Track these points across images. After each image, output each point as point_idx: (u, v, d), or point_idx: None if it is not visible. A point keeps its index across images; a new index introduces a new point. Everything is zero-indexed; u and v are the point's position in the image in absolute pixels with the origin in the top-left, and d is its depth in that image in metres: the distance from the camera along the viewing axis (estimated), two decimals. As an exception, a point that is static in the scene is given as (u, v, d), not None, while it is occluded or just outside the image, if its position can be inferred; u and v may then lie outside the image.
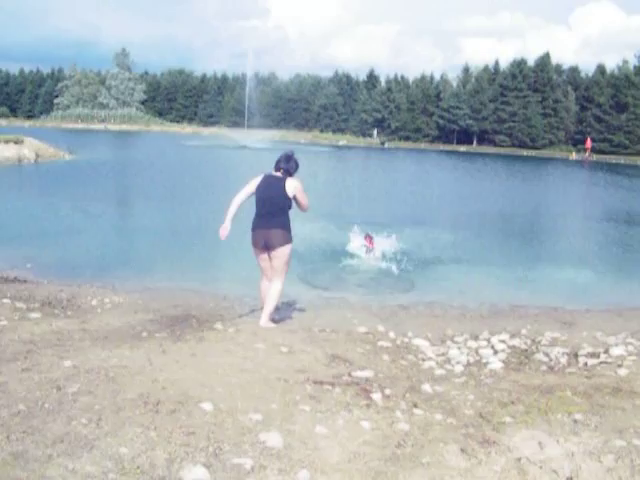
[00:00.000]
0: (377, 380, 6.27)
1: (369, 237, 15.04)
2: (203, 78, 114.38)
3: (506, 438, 4.91)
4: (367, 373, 6.42)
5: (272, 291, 8.05)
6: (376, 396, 5.67)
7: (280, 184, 7.78)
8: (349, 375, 6.30)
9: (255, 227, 8.00)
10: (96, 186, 26.78)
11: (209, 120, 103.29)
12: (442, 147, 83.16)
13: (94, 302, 9.71)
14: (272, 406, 5.15)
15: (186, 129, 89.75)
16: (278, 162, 7.98)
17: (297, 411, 5.13)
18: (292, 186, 7.80)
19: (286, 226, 7.88)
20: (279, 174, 7.92)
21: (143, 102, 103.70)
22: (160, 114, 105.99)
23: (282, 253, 7.88)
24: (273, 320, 8.31)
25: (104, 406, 4.69)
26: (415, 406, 5.59)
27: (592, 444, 4.78)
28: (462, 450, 4.66)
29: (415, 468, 4.35)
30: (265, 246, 7.92)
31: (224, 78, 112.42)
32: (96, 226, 17.73)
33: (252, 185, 7.95)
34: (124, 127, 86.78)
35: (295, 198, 7.87)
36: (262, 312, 8.12)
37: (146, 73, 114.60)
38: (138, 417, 4.57)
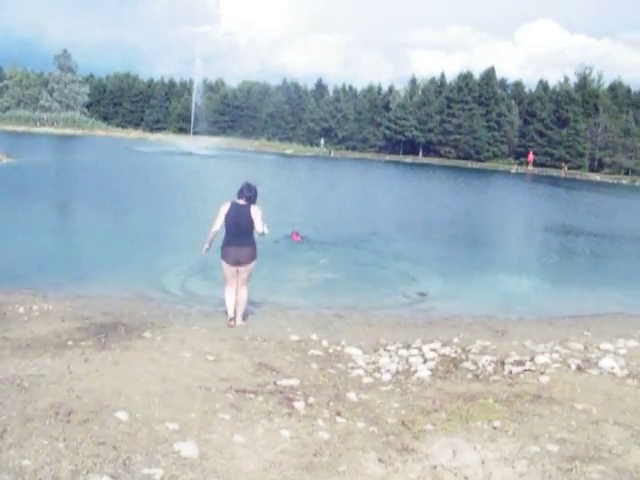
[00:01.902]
0: (302, 388, 6.24)
1: (295, 233, 15.96)
2: (150, 83, 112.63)
3: (425, 446, 4.92)
4: (293, 382, 6.39)
5: (243, 297, 9.38)
6: (299, 404, 5.64)
7: (246, 210, 9.05)
8: (274, 384, 6.26)
9: (227, 246, 9.17)
10: (33, 190, 26.15)
11: (155, 126, 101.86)
12: (388, 157, 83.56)
13: (21, 310, 9.44)
14: (191, 415, 5.08)
15: (131, 134, 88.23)
16: (241, 191, 9.15)
17: (216, 420, 5.07)
18: (255, 213, 9.07)
19: (253, 245, 9.23)
20: (243, 202, 9.12)
21: (88, 106, 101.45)
22: (105, 118, 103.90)
23: (250, 267, 9.28)
24: (244, 318, 9.54)
25: (11, 417, 4.56)
26: (338, 414, 5.58)
27: (508, 450, 4.83)
28: (379, 458, 4.66)
29: (331, 477, 4.33)
30: (236, 262, 9.18)
31: (171, 83, 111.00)
32: (31, 231, 17.31)
33: (222, 214, 9.11)
34: (67, 131, 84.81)
35: (255, 221, 9.07)
36: (236, 314, 9.32)
37: (91, 76, 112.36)
38: (47, 428, 4.45)
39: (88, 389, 5.38)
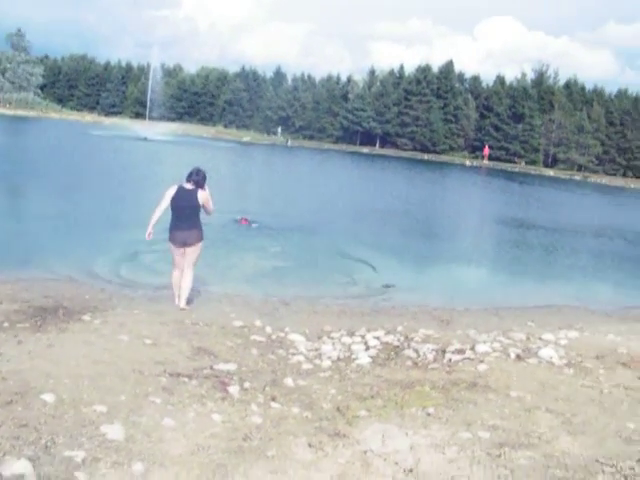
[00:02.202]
0: (239, 373, 6.18)
1: (244, 218, 16.55)
2: (107, 66, 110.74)
3: (357, 431, 4.91)
4: (230, 366, 6.33)
5: (188, 279, 9.40)
6: (233, 389, 5.59)
7: (193, 194, 9.19)
8: (211, 368, 6.19)
9: (174, 229, 9.31)
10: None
11: (111, 110, 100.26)
12: (345, 148, 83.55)
13: (-44, 293, 9.22)
14: (120, 398, 4.99)
15: (86, 118, 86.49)
16: (190, 175, 9.27)
17: (146, 403, 4.98)
18: (202, 197, 9.25)
19: (199, 227, 9.39)
20: (190, 186, 9.24)
21: (42, 87, 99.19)
22: (60, 101, 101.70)
23: (196, 249, 9.37)
24: (188, 302, 9.55)
25: None
26: (273, 400, 5.54)
27: (439, 436, 4.83)
28: (310, 443, 4.63)
29: (258, 461, 4.28)
30: (183, 244, 9.31)
31: (129, 67, 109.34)
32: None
33: (167, 198, 9.22)
34: (20, 112, 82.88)
35: (203, 205, 9.32)
36: (180, 297, 9.40)
37: (46, 57, 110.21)
38: (-33, 409, 4.33)
39: (16, 371, 5.25)
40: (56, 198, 19.83)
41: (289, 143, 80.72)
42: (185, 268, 9.42)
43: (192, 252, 9.37)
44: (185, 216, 9.25)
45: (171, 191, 9.28)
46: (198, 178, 9.27)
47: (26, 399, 4.65)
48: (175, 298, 9.50)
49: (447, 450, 4.59)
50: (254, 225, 17.20)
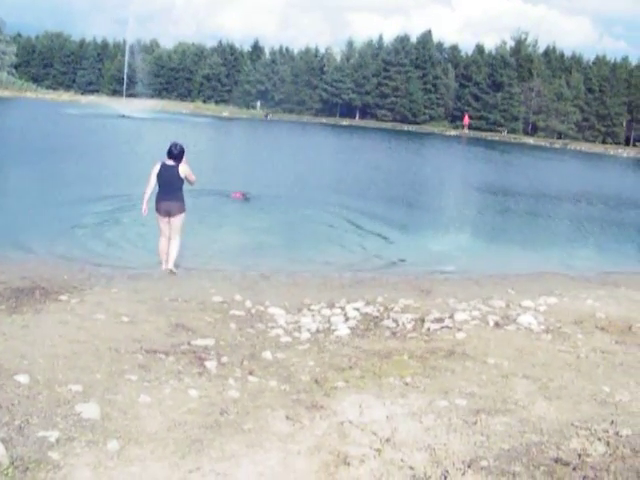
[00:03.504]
0: (217, 348, 6.16)
1: (239, 193, 16.96)
2: (82, 43, 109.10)
3: (335, 402, 4.91)
4: (208, 341, 6.30)
5: (175, 245, 10.36)
6: (210, 364, 5.57)
7: (174, 170, 10.11)
8: (188, 344, 6.16)
9: (159, 200, 10.22)
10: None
11: (88, 88, 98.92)
12: (325, 120, 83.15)
13: None
14: (96, 376, 4.96)
15: (63, 96, 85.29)
16: (169, 152, 10.11)
17: (122, 381, 4.95)
18: (183, 170, 10.15)
19: (181, 199, 10.30)
20: (171, 162, 10.12)
21: (16, 67, 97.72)
22: (35, 80, 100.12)
23: (179, 218, 10.30)
24: (175, 267, 10.42)
25: None
26: (250, 373, 5.52)
27: (416, 405, 4.85)
28: (287, 416, 4.63)
29: (234, 435, 4.28)
30: (167, 214, 10.24)
31: (104, 44, 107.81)
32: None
33: (153, 175, 10.16)
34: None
35: (186, 178, 10.24)
36: (167, 262, 10.36)
37: (19, 35, 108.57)
38: (-61, 392, 4.28)
39: (-11, 352, 5.20)
40: (31, 178, 19.62)
41: (269, 117, 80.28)
42: (172, 237, 10.38)
43: (176, 221, 10.30)
44: (168, 189, 10.15)
45: (155, 168, 10.22)
46: (176, 152, 10.12)
47: (-1, 380, 4.61)
48: (163, 263, 10.41)
49: (424, 418, 4.61)
50: (247, 197, 17.21)
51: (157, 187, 10.23)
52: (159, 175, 10.18)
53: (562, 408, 4.79)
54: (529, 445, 4.18)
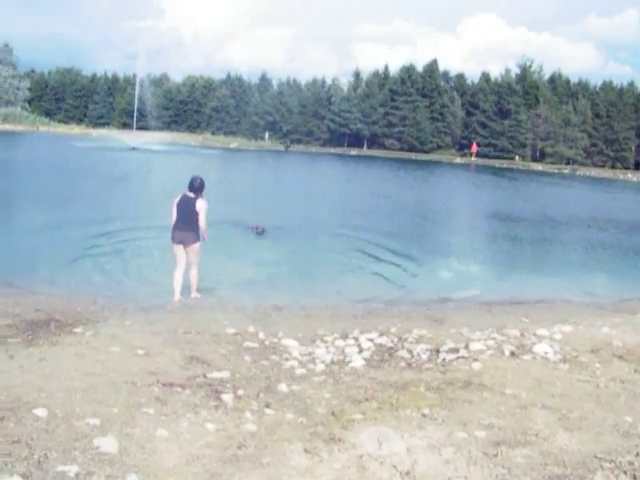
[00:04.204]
0: (233, 381, 6.13)
1: (259, 226, 17.17)
2: (93, 78, 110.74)
3: (352, 435, 4.87)
4: (223, 374, 6.28)
5: (193, 275, 10.83)
6: (227, 397, 5.54)
7: (193, 202, 10.53)
8: (204, 376, 6.15)
9: (174, 230, 10.66)
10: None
11: (99, 121, 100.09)
12: (333, 150, 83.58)
13: (-53, 308, 9.13)
14: (113, 410, 4.94)
15: (74, 130, 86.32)
16: (191, 184, 10.60)
17: (139, 414, 4.94)
18: (200, 205, 10.53)
19: (196, 231, 10.62)
20: (192, 194, 10.58)
21: (29, 101, 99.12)
22: (47, 114, 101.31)
23: (194, 248, 10.66)
24: (197, 293, 10.97)
25: None
26: (267, 406, 5.50)
27: (435, 437, 4.80)
28: (305, 449, 4.59)
29: (254, 469, 4.24)
30: (180, 242, 10.63)
31: (115, 78, 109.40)
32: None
33: (174, 205, 10.63)
34: (7, 127, 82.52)
35: (198, 213, 10.52)
36: (191, 289, 10.89)
37: (32, 71, 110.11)
38: (-42, 427, 4.27)
39: (7, 386, 5.20)
40: (43, 210, 19.69)
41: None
42: (190, 267, 10.78)
43: (191, 251, 10.66)
44: (185, 220, 10.55)
45: (176, 199, 10.71)
46: (197, 185, 10.60)
47: (18, 414, 4.60)
48: (176, 294, 10.65)
49: (443, 451, 4.56)
50: (260, 231, 17.23)
51: (175, 217, 10.61)
52: (178, 205, 10.62)
53: (584, 439, 4.73)
54: (552, 478, 4.13)
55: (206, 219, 10.66)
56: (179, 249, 10.73)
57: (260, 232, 17.05)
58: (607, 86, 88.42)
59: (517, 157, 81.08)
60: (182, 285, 10.81)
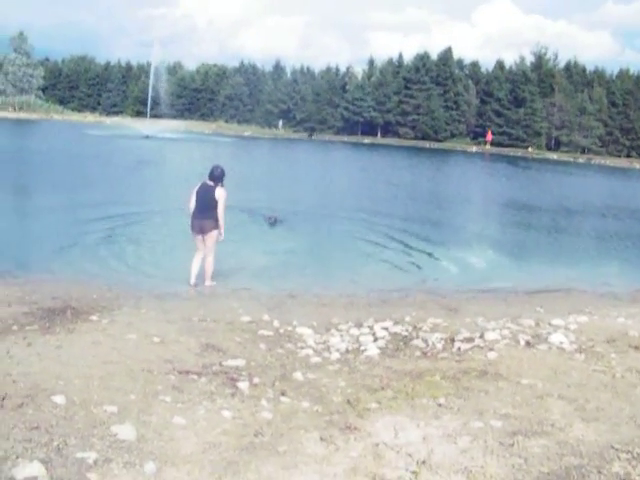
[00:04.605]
0: (248, 369, 6.16)
1: (272, 217, 17.07)
2: (107, 66, 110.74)
3: (368, 424, 4.89)
4: (239, 362, 6.31)
5: (208, 262, 10.91)
6: (243, 385, 5.57)
7: (212, 190, 10.66)
8: (219, 364, 6.17)
9: (193, 218, 10.82)
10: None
11: (112, 109, 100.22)
12: (347, 139, 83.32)
13: (-34, 296, 9.20)
14: (130, 397, 4.98)
15: (88, 118, 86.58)
16: (210, 173, 10.77)
17: (157, 402, 4.97)
18: (219, 193, 10.66)
19: (215, 218, 10.69)
20: (211, 183, 10.72)
21: (43, 89, 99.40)
22: (61, 102, 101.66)
23: (211, 235, 10.77)
24: (212, 281, 11.05)
25: (-59, 402, 4.41)
26: (283, 394, 5.52)
27: (451, 427, 4.81)
28: (321, 437, 4.61)
29: (270, 457, 4.26)
30: (200, 231, 10.79)
31: (128, 67, 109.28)
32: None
33: (193, 193, 10.82)
34: (22, 115, 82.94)
35: (217, 201, 10.64)
36: (201, 276, 10.95)
37: (47, 59, 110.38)
38: (-22, 413, 4.32)
39: (26, 373, 5.25)
40: (58, 198, 19.78)
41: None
42: (206, 254, 10.89)
43: (208, 238, 10.79)
44: (203, 208, 10.69)
45: (196, 187, 10.88)
46: (216, 174, 10.73)
47: (37, 401, 4.65)
48: (192, 278, 10.86)
49: (459, 440, 4.57)
50: (272, 221, 17.18)
51: (194, 205, 10.78)
52: (197, 193, 10.81)
53: (601, 430, 4.72)
54: (569, 468, 4.12)
55: (224, 209, 10.76)
56: (198, 238, 10.91)
57: (273, 222, 17.02)
58: (623, 74, 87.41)
59: (530, 147, 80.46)
60: (198, 273, 10.94)
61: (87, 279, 11.04)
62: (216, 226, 10.78)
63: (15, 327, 7.17)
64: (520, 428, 4.78)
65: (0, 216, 16.77)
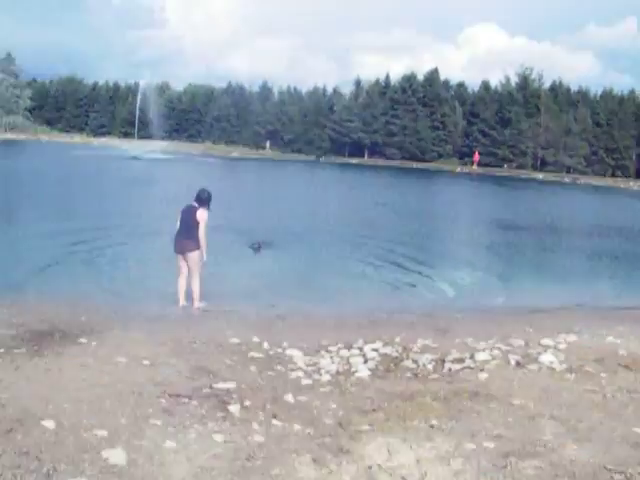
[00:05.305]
0: (239, 391, 6.12)
1: (257, 242, 16.54)
2: (94, 87, 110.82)
3: (361, 446, 4.86)
4: (229, 385, 6.27)
5: (194, 285, 10.84)
6: (234, 408, 5.53)
7: (193, 211, 10.66)
8: (210, 387, 6.13)
9: (175, 238, 10.87)
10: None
11: (100, 130, 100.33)
12: (334, 159, 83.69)
13: (-49, 319, 9.11)
14: (121, 421, 4.93)
15: (75, 139, 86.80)
16: (198, 196, 10.78)
17: (147, 426, 4.93)
18: (200, 215, 10.63)
19: (194, 239, 10.64)
20: (196, 204, 10.73)
21: (31, 110, 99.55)
22: (49, 123, 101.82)
23: (192, 256, 10.70)
24: (200, 302, 10.93)
25: None
26: (274, 417, 5.49)
27: (444, 448, 4.79)
28: (314, 460, 4.58)
29: (263, 480, 4.23)
30: (180, 251, 10.78)
31: (116, 87, 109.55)
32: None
33: (178, 214, 10.88)
34: (9, 136, 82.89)
35: (198, 223, 10.62)
36: (190, 299, 10.90)
37: (34, 80, 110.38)
38: (-34, 439, 4.27)
39: (15, 397, 5.20)
40: (44, 219, 19.69)
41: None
42: (190, 277, 10.85)
43: (190, 259, 10.70)
44: (184, 228, 10.72)
45: (180, 208, 10.94)
46: (203, 197, 10.78)
47: (26, 426, 4.60)
48: (179, 300, 10.85)
49: (453, 462, 4.55)
50: (257, 247, 16.67)
51: (178, 225, 10.81)
52: (181, 213, 10.85)
53: (593, 450, 4.72)
54: (563, 489, 4.12)
55: (206, 232, 10.73)
56: (179, 258, 10.88)
57: (257, 248, 16.54)
58: (607, 95, 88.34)
59: (512, 165, 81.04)
60: (185, 294, 10.89)
61: (75, 301, 10.94)
62: (197, 247, 10.71)
63: (2, 350, 7.09)
64: (513, 449, 4.77)
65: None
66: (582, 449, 4.75)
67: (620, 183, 72.92)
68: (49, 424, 4.67)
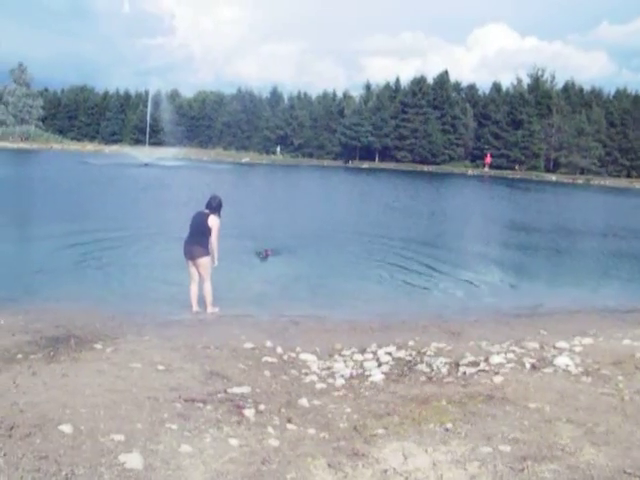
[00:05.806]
0: (253, 396, 6.14)
1: (264, 250, 16.18)
2: (105, 95, 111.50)
3: (376, 450, 4.86)
4: (244, 389, 6.29)
5: (206, 290, 10.91)
6: (249, 412, 5.54)
7: (204, 217, 10.75)
8: (225, 392, 6.15)
9: (184, 244, 10.95)
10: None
11: (111, 138, 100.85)
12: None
13: (-31, 325, 9.18)
14: (137, 426, 4.95)
15: (87, 147, 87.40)
16: (209, 203, 10.83)
17: (163, 430, 4.94)
18: (212, 220, 10.72)
19: (204, 245, 10.74)
20: (207, 211, 10.79)
21: (43, 119, 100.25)
22: (61, 132, 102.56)
23: (202, 262, 10.77)
24: (213, 307, 11.04)
25: (-51, 433, 4.39)
26: (289, 421, 5.49)
27: (459, 452, 4.78)
28: (329, 464, 4.58)
29: (278, 485, 4.24)
30: (190, 256, 10.85)
31: (127, 95, 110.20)
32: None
33: (191, 218, 11.01)
34: (22, 145, 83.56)
35: (211, 229, 10.71)
36: (206, 305, 10.98)
37: (46, 90, 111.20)
38: (-14, 444, 4.30)
39: (33, 403, 5.23)
40: (58, 226, 19.79)
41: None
42: (201, 282, 10.94)
43: (200, 265, 10.79)
44: (194, 233, 10.84)
45: (192, 214, 11.07)
46: (214, 204, 10.82)
47: (44, 431, 4.63)
48: (193, 306, 10.99)
49: (469, 466, 4.54)
50: (264, 256, 16.30)
51: (188, 231, 10.93)
52: (191, 219, 10.98)
53: (612, 454, 4.69)
54: (581, 493, 4.10)
55: (218, 238, 10.83)
56: (189, 264, 10.98)
57: (264, 257, 16.16)
58: (621, 94, 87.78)
59: (522, 168, 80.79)
60: (198, 299, 11.05)
61: (89, 307, 11.02)
62: (206, 252, 10.80)
63: (20, 356, 7.15)
64: (529, 453, 4.75)
65: (1, 244, 16.80)
66: (600, 452, 4.73)
67: (635, 184, 72.50)
68: (67, 429, 4.70)
